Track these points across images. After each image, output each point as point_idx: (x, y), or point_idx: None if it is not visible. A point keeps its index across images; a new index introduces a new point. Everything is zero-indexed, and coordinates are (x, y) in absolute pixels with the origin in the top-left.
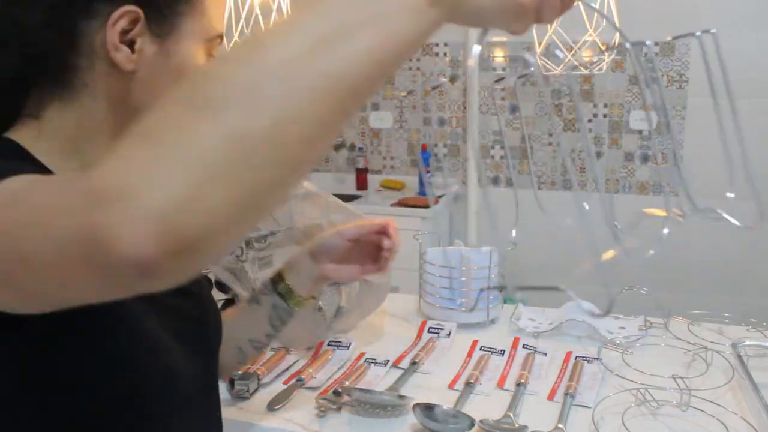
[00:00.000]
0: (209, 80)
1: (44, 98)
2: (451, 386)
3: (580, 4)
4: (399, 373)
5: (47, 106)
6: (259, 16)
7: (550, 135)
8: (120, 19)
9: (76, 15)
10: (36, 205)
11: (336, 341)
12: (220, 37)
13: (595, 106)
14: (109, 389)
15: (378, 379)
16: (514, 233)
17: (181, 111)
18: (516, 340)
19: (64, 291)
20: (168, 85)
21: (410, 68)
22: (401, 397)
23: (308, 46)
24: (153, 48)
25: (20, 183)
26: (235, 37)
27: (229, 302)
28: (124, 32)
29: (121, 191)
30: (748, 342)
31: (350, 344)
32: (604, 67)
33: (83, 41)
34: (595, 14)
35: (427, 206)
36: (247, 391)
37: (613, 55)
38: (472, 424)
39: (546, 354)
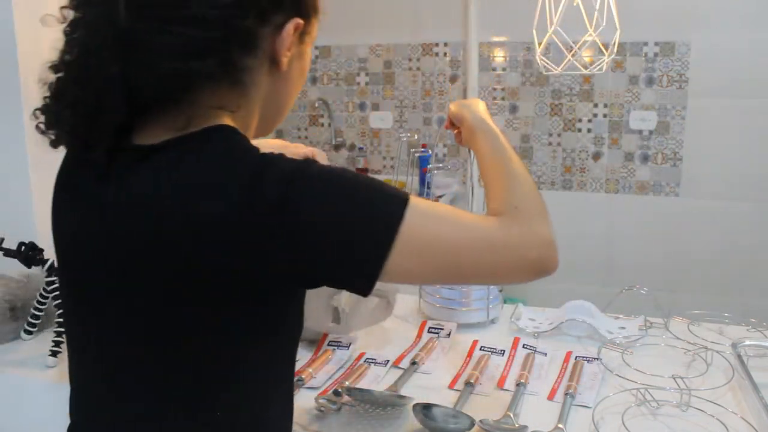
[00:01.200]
0: (530, 195)
1: (229, 93)
2: (451, 386)
3: (580, 4)
4: (399, 373)
5: (236, 101)
6: None
7: (550, 135)
8: (292, 28)
9: (262, 22)
10: (488, 237)
11: (336, 341)
12: None
13: (595, 106)
14: (297, 323)
15: (378, 379)
16: None
17: (534, 206)
18: (516, 340)
19: (490, 281)
20: (297, 81)
21: (410, 68)
22: (401, 397)
23: (524, 173)
24: (297, 50)
25: (441, 210)
26: None
27: None
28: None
29: (551, 241)
30: (748, 342)
31: (350, 344)
32: (604, 67)
33: (259, 45)
34: (595, 14)
35: None
36: None
37: (613, 55)
38: (472, 424)
39: (546, 354)
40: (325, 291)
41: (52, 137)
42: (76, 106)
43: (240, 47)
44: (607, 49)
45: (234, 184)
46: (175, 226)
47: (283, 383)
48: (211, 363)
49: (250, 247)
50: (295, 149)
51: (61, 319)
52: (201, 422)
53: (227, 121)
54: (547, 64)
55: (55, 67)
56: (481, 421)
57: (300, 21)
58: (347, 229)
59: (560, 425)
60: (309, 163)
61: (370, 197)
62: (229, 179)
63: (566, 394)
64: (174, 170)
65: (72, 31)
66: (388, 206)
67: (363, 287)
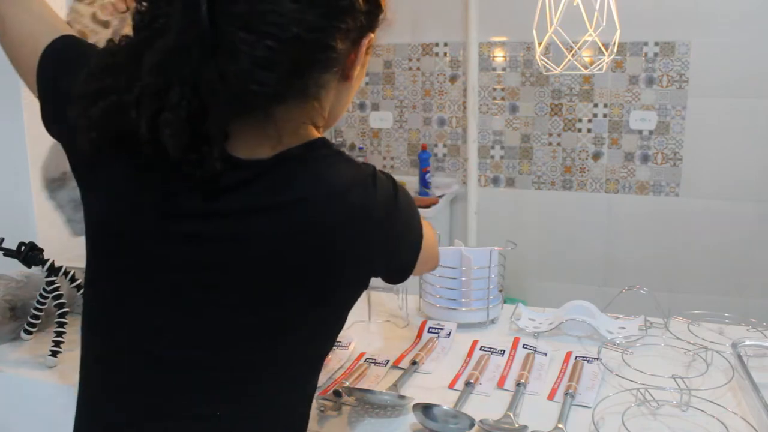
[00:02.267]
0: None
1: (310, 107)
2: (451, 386)
3: (580, 4)
4: (399, 373)
5: (318, 113)
6: None
7: (550, 135)
8: (367, 44)
9: (345, 41)
10: (434, 242)
11: (336, 341)
12: None
13: (595, 106)
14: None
15: (378, 379)
16: None
17: (433, 248)
18: (516, 340)
19: (428, 270)
20: (356, 88)
21: (410, 68)
22: (401, 397)
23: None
24: (362, 60)
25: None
26: None
27: None
28: None
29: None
30: (748, 342)
31: (350, 344)
32: (604, 67)
33: (340, 62)
34: (595, 14)
35: (427, 206)
36: None
37: (613, 55)
38: (472, 424)
39: (546, 354)
40: None
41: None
42: (179, 109)
43: (327, 66)
44: (607, 49)
45: (353, 196)
46: (303, 239)
47: (317, 372)
48: (293, 355)
49: (362, 252)
50: None
51: (61, 320)
52: (277, 416)
53: (313, 131)
54: (547, 64)
55: (132, 67)
56: (481, 421)
57: (372, 35)
58: (407, 244)
59: (560, 425)
60: (392, 181)
61: (416, 219)
62: (349, 192)
63: (566, 394)
64: (292, 186)
65: (145, 27)
66: (419, 227)
67: (399, 281)
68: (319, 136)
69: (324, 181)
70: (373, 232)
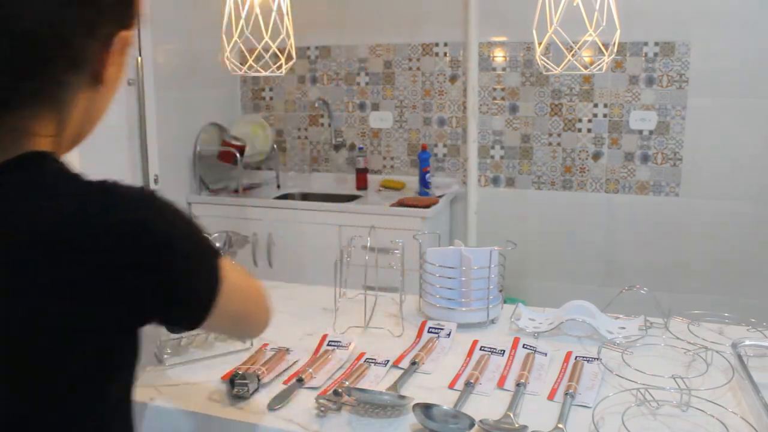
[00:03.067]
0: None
1: (46, 114)
2: (451, 386)
3: (580, 4)
4: (399, 373)
5: (53, 123)
6: (259, 17)
7: (550, 135)
8: (121, 42)
9: (90, 37)
10: (258, 299)
11: (336, 341)
12: None
13: (595, 106)
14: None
15: (378, 379)
16: None
17: (254, 304)
18: (516, 340)
19: (254, 332)
20: (114, 91)
21: (410, 68)
22: (401, 397)
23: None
24: (118, 61)
25: (235, 271)
26: (235, 37)
27: None
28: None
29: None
30: (748, 342)
31: (350, 344)
32: (604, 67)
33: (87, 60)
34: (595, 14)
35: (427, 206)
36: (247, 391)
37: (613, 55)
38: (472, 424)
39: (546, 354)
40: None
41: None
42: None
43: (69, 66)
44: (607, 49)
45: (80, 215)
46: (25, 257)
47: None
48: (90, 385)
49: (103, 284)
50: None
51: None
52: None
53: (41, 142)
54: (547, 64)
55: None
56: (481, 421)
57: (126, 34)
58: (174, 281)
59: (560, 425)
60: (149, 201)
61: (193, 248)
62: (76, 210)
63: (566, 394)
64: (9, 202)
65: None
66: (202, 263)
67: (182, 329)
68: (44, 149)
69: (45, 197)
70: (112, 259)
